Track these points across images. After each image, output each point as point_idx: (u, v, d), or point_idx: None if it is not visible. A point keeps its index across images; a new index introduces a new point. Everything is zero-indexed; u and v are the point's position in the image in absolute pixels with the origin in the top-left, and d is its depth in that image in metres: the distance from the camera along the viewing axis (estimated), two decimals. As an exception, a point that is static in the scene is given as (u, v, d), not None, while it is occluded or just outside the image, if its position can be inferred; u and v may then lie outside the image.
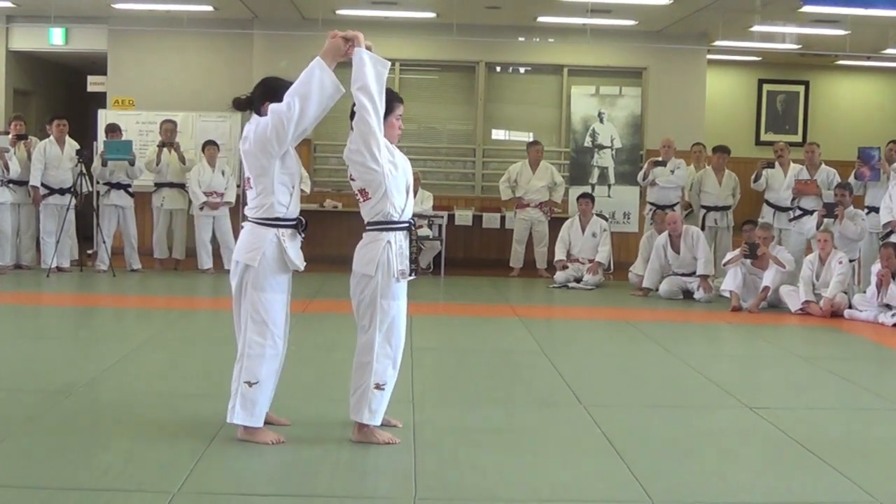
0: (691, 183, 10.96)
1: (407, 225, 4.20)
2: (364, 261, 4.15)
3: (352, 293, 4.23)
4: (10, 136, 10.24)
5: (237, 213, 11.01)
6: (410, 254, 4.19)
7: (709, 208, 10.79)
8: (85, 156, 10.20)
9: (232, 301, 4.23)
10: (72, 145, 10.35)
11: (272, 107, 3.98)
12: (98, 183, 10.67)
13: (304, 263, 4.21)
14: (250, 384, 4.09)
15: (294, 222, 4.16)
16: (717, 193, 10.75)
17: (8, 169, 9.94)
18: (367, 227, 4.21)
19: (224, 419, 4.15)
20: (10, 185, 10.09)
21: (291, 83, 4.03)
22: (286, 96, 3.95)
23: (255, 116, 4.12)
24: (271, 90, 4.10)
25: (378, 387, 4.16)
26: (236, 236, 10.96)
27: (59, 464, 3.83)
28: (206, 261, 10.71)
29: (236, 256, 4.15)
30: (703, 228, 10.58)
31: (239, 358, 4.14)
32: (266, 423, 4.21)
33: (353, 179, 4.16)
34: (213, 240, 10.74)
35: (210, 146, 10.75)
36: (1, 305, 8.26)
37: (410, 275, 4.19)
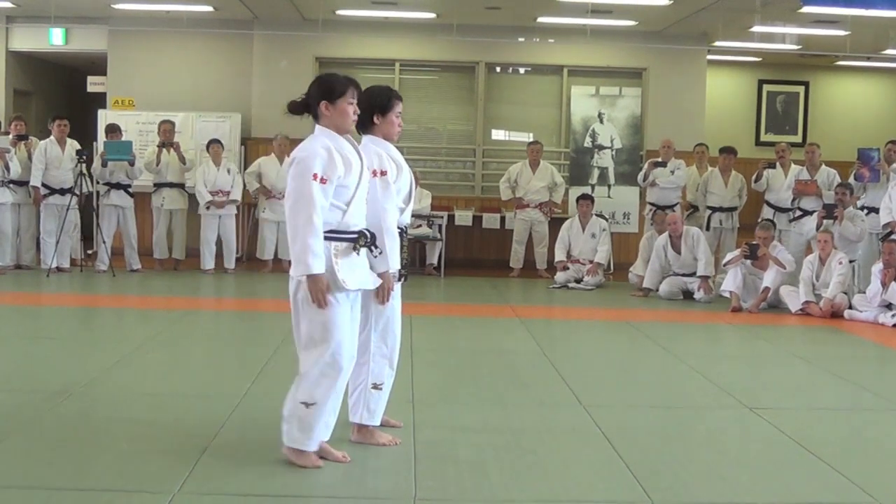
0: (696, 184, 10.96)
1: (401, 230, 4.19)
2: None
3: None
4: (10, 136, 10.24)
5: (240, 213, 11.05)
6: (402, 258, 4.17)
7: (714, 209, 10.79)
8: (86, 155, 10.19)
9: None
10: (72, 145, 10.34)
11: (291, 188, 3.68)
12: (98, 183, 10.67)
13: (366, 285, 3.88)
14: (307, 405, 3.80)
15: (352, 236, 3.82)
16: (724, 194, 10.74)
17: (9, 169, 9.93)
18: None
19: (224, 419, 4.15)
20: (11, 185, 10.09)
21: (346, 78, 3.88)
22: (291, 203, 3.67)
23: (303, 143, 3.80)
24: (328, 89, 3.84)
25: (375, 387, 4.16)
26: (239, 236, 11.09)
27: (59, 464, 3.82)
28: (208, 260, 10.71)
29: (290, 271, 3.86)
30: (707, 229, 10.60)
31: (297, 374, 3.89)
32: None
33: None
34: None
35: (215, 144, 10.75)
36: (1, 305, 8.26)
37: (400, 279, 4.18)
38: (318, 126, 3.86)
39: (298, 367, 3.87)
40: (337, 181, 3.72)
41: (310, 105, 3.86)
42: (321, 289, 3.69)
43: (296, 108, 3.90)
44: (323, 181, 3.68)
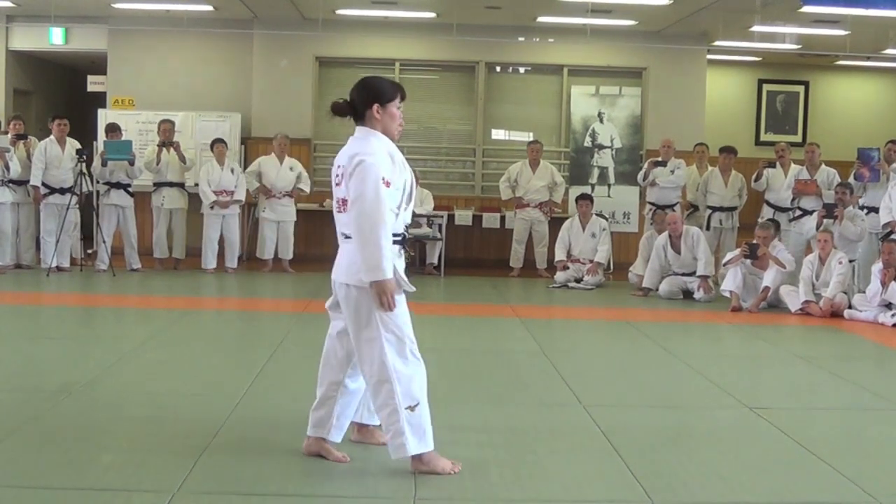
0: (696, 184, 10.96)
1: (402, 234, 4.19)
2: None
3: None
4: (9, 135, 10.23)
5: (241, 212, 11.04)
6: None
7: (714, 209, 10.79)
8: (86, 155, 10.18)
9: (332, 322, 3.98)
10: (72, 145, 10.34)
11: (359, 192, 3.63)
12: (98, 183, 10.67)
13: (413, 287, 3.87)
14: (412, 408, 3.74)
15: (400, 238, 3.83)
16: (724, 194, 10.74)
17: (8, 169, 9.94)
18: None
19: (224, 419, 4.15)
20: (10, 184, 10.09)
21: (395, 83, 3.87)
22: (362, 208, 3.63)
23: (361, 146, 3.76)
24: (380, 92, 3.81)
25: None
26: (241, 236, 11.09)
27: (59, 464, 3.82)
28: (210, 260, 10.71)
29: (346, 279, 3.79)
30: (708, 229, 10.59)
31: (378, 386, 3.77)
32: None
33: (337, 185, 3.83)
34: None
35: (219, 144, 10.75)
36: (1, 305, 8.26)
37: None
38: (363, 128, 3.83)
39: (368, 379, 3.80)
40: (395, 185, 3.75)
41: (355, 107, 3.83)
42: (391, 292, 3.69)
43: (341, 110, 3.86)
44: (387, 184, 3.70)
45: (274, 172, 10.84)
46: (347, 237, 3.82)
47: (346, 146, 3.86)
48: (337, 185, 3.82)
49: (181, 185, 10.85)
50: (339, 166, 3.82)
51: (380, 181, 3.66)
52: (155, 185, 10.80)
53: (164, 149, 10.67)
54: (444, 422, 4.61)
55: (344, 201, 3.78)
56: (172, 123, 10.88)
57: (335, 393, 3.98)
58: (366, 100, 3.81)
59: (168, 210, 10.78)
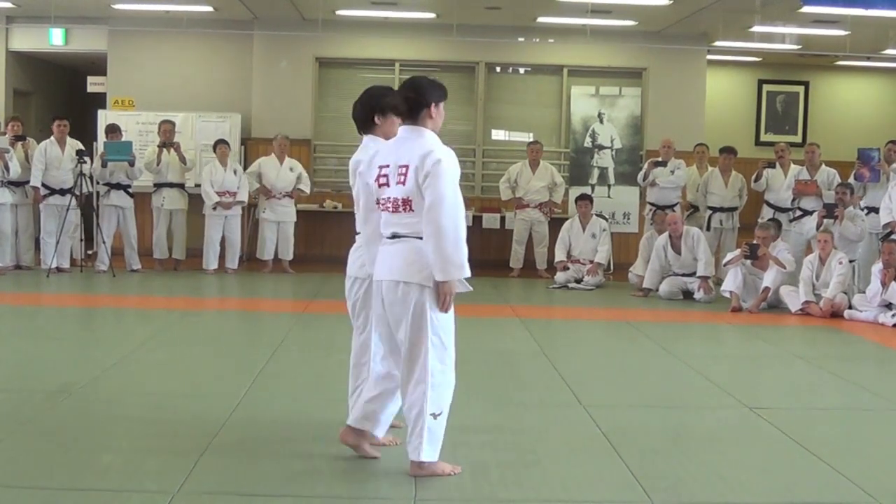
0: (696, 184, 10.96)
1: None
2: (357, 264, 4.16)
3: (346, 295, 4.23)
4: (7, 136, 10.23)
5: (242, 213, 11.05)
6: None
7: (715, 209, 10.79)
8: (87, 156, 10.17)
9: (372, 322, 3.96)
10: (73, 145, 10.34)
11: (441, 192, 3.65)
12: (98, 183, 10.67)
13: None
14: (436, 416, 3.72)
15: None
16: (724, 195, 10.74)
17: (8, 169, 9.93)
18: (359, 231, 4.19)
19: (224, 419, 4.15)
20: (9, 185, 10.09)
21: (439, 82, 3.90)
22: (445, 208, 3.67)
23: (433, 143, 3.76)
24: (436, 91, 3.84)
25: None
26: (243, 236, 11.07)
27: (59, 464, 3.83)
28: (211, 260, 10.71)
29: (405, 277, 3.76)
30: (708, 229, 10.59)
31: (414, 385, 3.75)
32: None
33: (385, 185, 3.82)
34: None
35: (222, 145, 10.74)
36: (1, 305, 8.26)
37: None
38: (413, 127, 3.81)
39: (406, 376, 3.77)
40: None
41: (411, 106, 3.81)
42: (453, 293, 3.75)
43: (400, 108, 3.87)
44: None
45: (274, 173, 10.84)
46: (400, 237, 3.78)
47: (400, 145, 3.82)
48: (384, 185, 3.79)
49: (181, 186, 10.85)
50: (401, 166, 3.74)
51: (457, 180, 3.73)
52: (155, 185, 10.80)
53: (165, 149, 10.67)
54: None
55: (406, 201, 3.74)
56: (173, 124, 10.87)
57: (392, 386, 3.93)
58: (425, 98, 3.80)
59: (168, 211, 10.78)
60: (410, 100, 3.81)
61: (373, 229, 3.93)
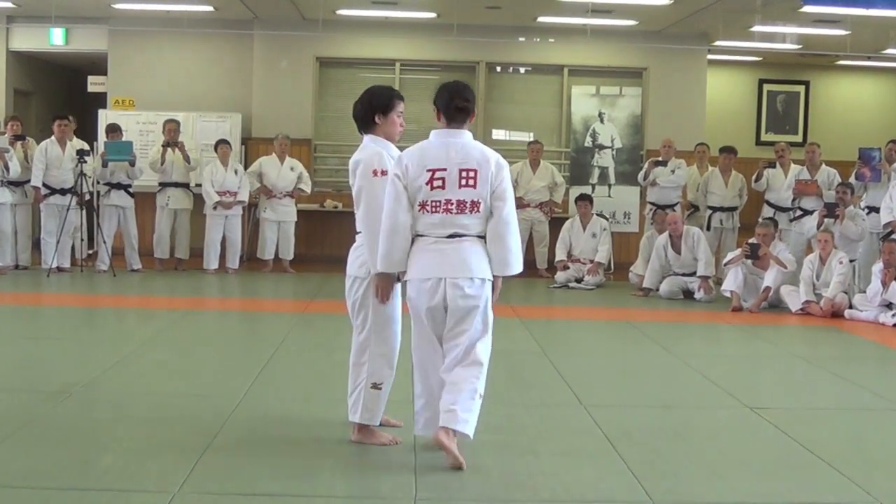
0: (697, 184, 10.96)
1: None
2: (357, 263, 4.16)
3: (346, 294, 4.23)
4: (6, 136, 10.23)
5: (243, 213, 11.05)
6: None
7: (715, 209, 10.79)
8: (88, 156, 10.16)
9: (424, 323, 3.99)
10: (74, 145, 10.33)
11: (511, 194, 4.02)
12: (98, 183, 10.67)
13: None
14: (482, 396, 3.98)
15: None
16: (724, 194, 10.74)
17: (8, 169, 9.93)
18: (360, 231, 4.20)
19: (225, 419, 4.15)
20: (9, 185, 10.09)
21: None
22: (511, 208, 3.99)
23: (462, 143, 3.99)
24: (459, 90, 4.08)
25: (375, 386, 4.15)
26: (244, 236, 11.07)
27: (59, 464, 3.82)
28: (212, 260, 10.71)
29: (475, 274, 3.89)
30: (708, 229, 10.59)
31: (470, 366, 3.94)
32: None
33: (441, 188, 3.93)
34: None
35: (223, 145, 10.75)
36: (1, 305, 8.26)
37: (399, 279, 4.17)
38: (457, 129, 4.02)
39: (464, 357, 3.91)
40: None
41: (469, 111, 4.04)
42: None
43: (466, 114, 4.05)
44: None
45: (275, 173, 10.84)
46: (461, 236, 3.90)
47: (447, 148, 3.94)
48: (439, 187, 3.88)
49: (186, 186, 10.85)
50: (467, 169, 3.89)
51: None
52: (160, 185, 10.80)
53: (170, 149, 10.67)
54: (444, 422, 4.61)
55: (475, 203, 3.90)
56: (177, 123, 10.86)
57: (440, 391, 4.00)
58: (473, 107, 4.03)
59: (173, 210, 10.78)
60: (469, 105, 4.02)
61: (398, 222, 3.92)
